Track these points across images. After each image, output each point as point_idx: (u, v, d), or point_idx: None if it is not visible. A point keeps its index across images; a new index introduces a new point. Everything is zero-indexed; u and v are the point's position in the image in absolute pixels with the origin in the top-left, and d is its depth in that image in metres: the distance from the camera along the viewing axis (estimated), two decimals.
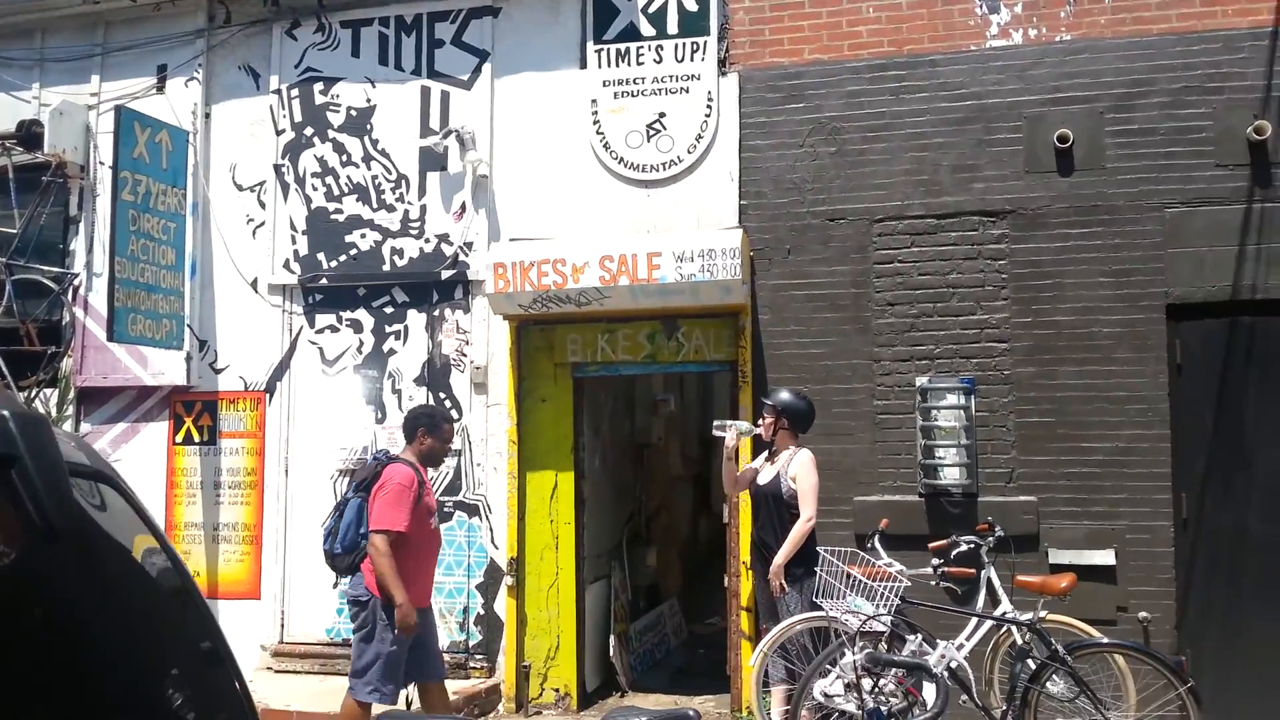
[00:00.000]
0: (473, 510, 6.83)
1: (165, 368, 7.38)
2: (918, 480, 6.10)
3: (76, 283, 7.65)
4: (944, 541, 5.47)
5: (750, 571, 5.95)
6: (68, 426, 7.48)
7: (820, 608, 5.22)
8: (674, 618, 7.20)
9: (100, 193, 7.58)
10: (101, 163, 7.57)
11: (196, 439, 7.36)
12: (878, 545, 5.41)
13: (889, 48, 6.58)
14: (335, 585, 6.59)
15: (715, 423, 5.74)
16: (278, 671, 6.85)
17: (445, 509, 6.85)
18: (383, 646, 4.90)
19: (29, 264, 7.62)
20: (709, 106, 6.79)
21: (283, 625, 7.04)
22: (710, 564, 7.62)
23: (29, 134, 7.67)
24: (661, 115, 6.87)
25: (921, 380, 6.14)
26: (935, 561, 5.32)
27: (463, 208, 7.13)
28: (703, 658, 6.68)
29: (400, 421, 6.99)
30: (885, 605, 4.99)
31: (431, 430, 5.24)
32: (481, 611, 6.70)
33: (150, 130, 7.17)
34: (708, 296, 6.28)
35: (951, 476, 5.99)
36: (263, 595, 7.09)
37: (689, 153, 6.79)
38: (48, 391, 7.54)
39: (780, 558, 5.38)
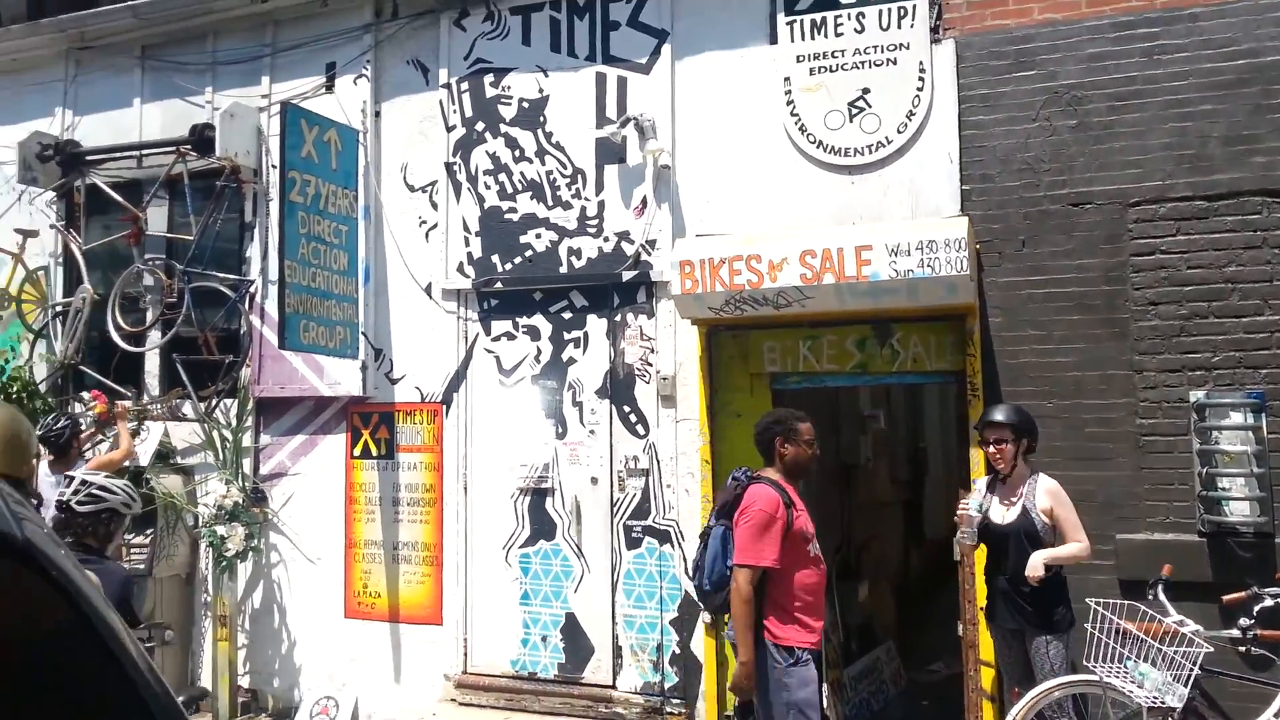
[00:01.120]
0: (663, 537, 6.24)
1: (341, 377, 7.08)
2: (1196, 516, 5.12)
3: (252, 290, 7.43)
4: (1242, 594, 4.50)
5: (990, 622, 5.11)
6: (247, 438, 7.29)
7: (1086, 669, 4.38)
8: (891, 662, 6.44)
9: (273, 197, 7.31)
10: (274, 166, 7.30)
11: (374, 453, 7.04)
12: (1162, 597, 4.49)
13: (1137, 2, 5.56)
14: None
15: (960, 533, 4.91)
16: (461, 704, 6.47)
17: (634, 534, 6.29)
18: (789, 694, 4.19)
19: (206, 271, 7.45)
20: (921, 79, 5.93)
21: (466, 654, 6.64)
22: (925, 599, 6.79)
23: (202, 138, 7.48)
24: (865, 92, 6.05)
25: (1197, 395, 5.14)
26: (1244, 622, 4.36)
27: (644, 202, 6.51)
28: (928, 711, 5.92)
29: (579, 436, 6.52)
30: (1180, 675, 4.10)
31: (789, 436, 4.51)
32: (677, 650, 6.11)
33: (318, 129, 6.83)
34: (928, 296, 5.45)
35: (1240, 512, 4.99)
36: (444, 621, 6.70)
37: (899, 132, 5.95)
38: (227, 401, 7.36)
39: (1045, 556, 4.60)
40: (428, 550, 6.82)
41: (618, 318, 6.54)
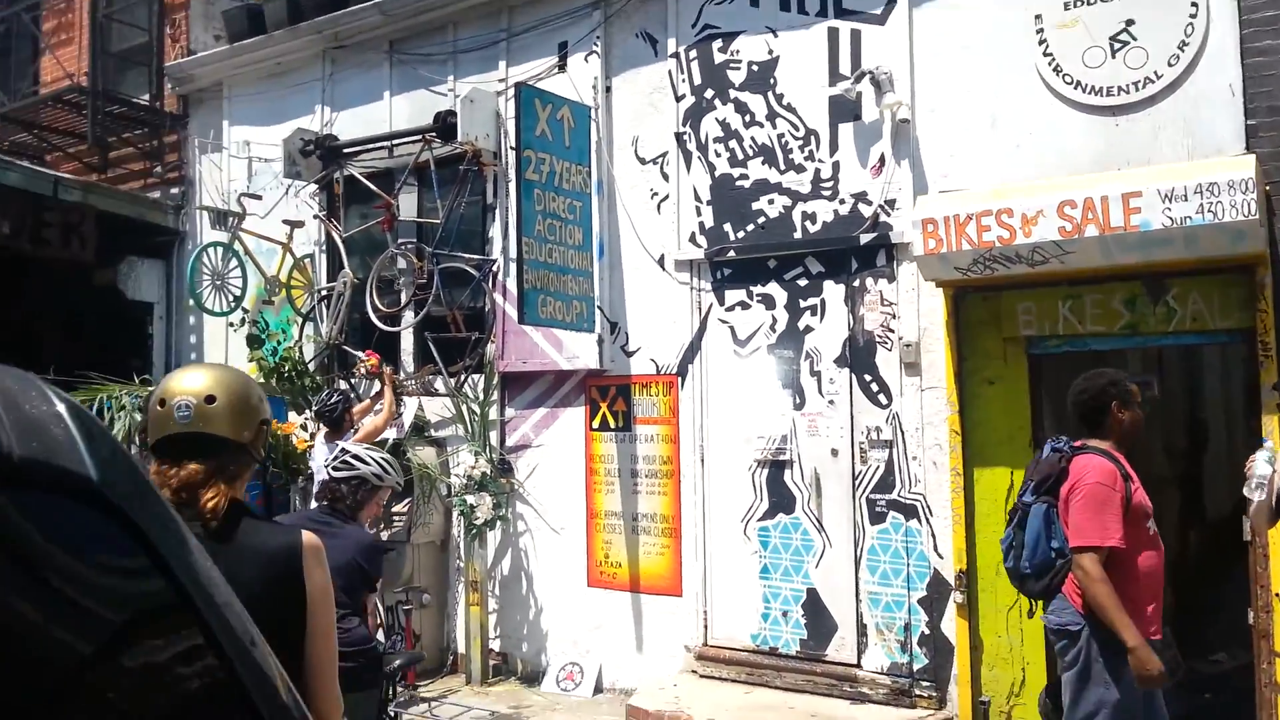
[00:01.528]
0: (909, 511, 5.95)
1: (579, 351, 7.19)
2: None
3: (495, 269, 7.68)
4: None
5: None
6: (493, 412, 7.55)
7: None
8: (1168, 650, 5.85)
9: (511, 178, 7.50)
10: (512, 148, 7.49)
11: (612, 425, 7.11)
12: None
13: None
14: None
15: (1250, 481, 3.94)
16: (702, 676, 6.44)
17: (877, 508, 6.03)
18: (1108, 693, 3.74)
19: (453, 253, 7.75)
20: (1194, 4, 5.30)
21: (706, 626, 6.61)
22: (1203, 584, 6.15)
23: (445, 125, 7.77)
24: (1128, 24, 5.48)
25: None
26: None
27: (881, 160, 6.20)
28: (1210, 705, 5.36)
29: (818, 407, 6.31)
30: None
31: (1125, 400, 3.99)
32: (926, 630, 5.82)
33: (551, 107, 6.93)
34: (1209, 246, 4.88)
35: None
36: (684, 593, 6.70)
37: (1169, 66, 5.36)
38: (475, 377, 7.66)
39: None
40: (666, 522, 6.83)
41: (856, 283, 6.28)
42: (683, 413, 6.82)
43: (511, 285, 7.41)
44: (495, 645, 7.41)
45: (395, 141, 8.25)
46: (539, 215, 6.77)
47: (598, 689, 6.89)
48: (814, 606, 6.23)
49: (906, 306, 6.05)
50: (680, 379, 6.86)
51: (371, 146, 8.38)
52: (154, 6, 10.16)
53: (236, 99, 9.51)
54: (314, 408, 7.09)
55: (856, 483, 6.14)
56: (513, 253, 7.38)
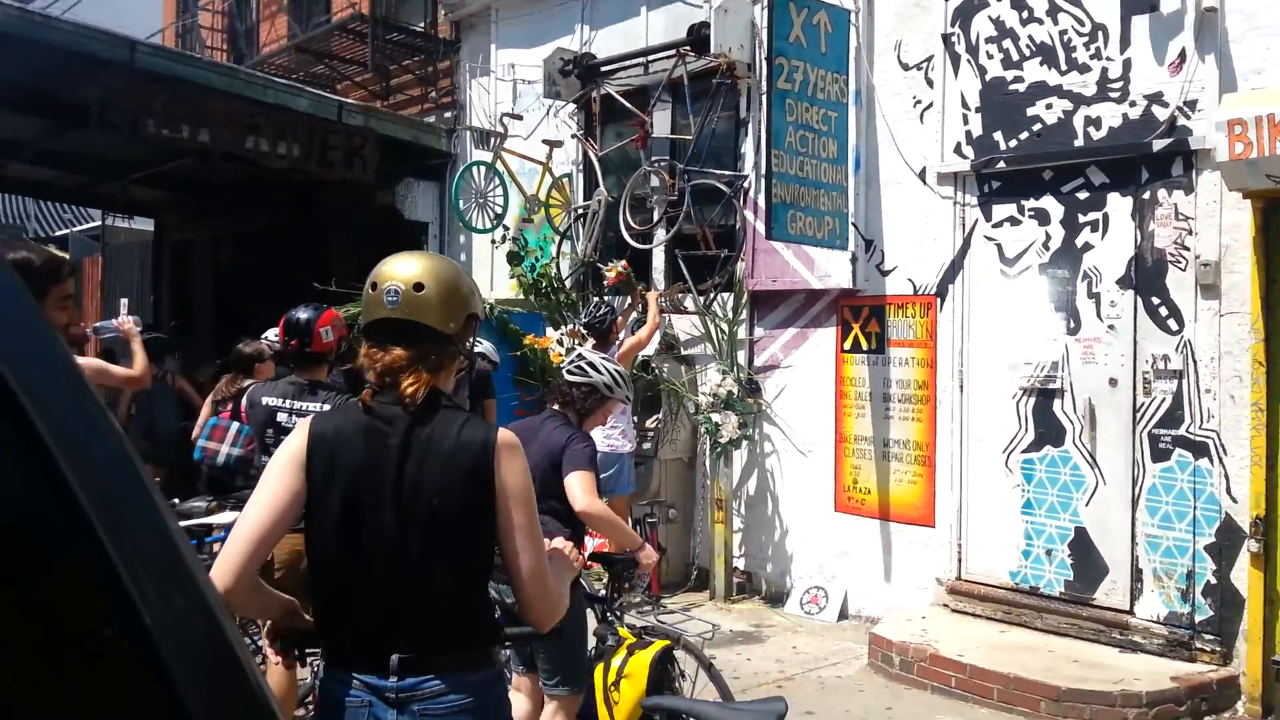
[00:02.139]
0: (1199, 449, 5.35)
1: (831, 270, 6.95)
2: None
3: (745, 185, 7.52)
4: None
5: None
6: (741, 331, 7.47)
7: None
8: None
9: (765, 90, 7.28)
10: (766, 59, 7.25)
11: (864, 347, 6.85)
12: None
13: None
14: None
15: None
16: (954, 610, 6.17)
17: (1161, 445, 5.48)
18: None
19: (704, 169, 7.66)
20: None
21: (959, 560, 6.30)
22: None
23: (698, 38, 7.63)
24: None
25: None
26: None
27: (1181, 56, 5.49)
28: None
29: (1095, 332, 5.77)
30: None
31: None
32: (1212, 580, 5.25)
33: (807, 12, 6.62)
34: None
35: None
36: (937, 523, 6.41)
37: None
38: (724, 295, 7.59)
39: None
40: (919, 449, 6.53)
41: (1145, 195, 5.64)
42: (941, 336, 6.45)
43: (762, 201, 7.25)
44: (740, 564, 7.43)
45: (650, 58, 8.20)
46: (790, 127, 6.53)
47: (842, 615, 6.77)
48: (1082, 546, 5.78)
49: (1205, 221, 5.38)
50: (939, 300, 6.48)
51: (627, 64, 8.38)
52: None
53: (503, 22, 9.78)
54: (583, 319, 7.27)
55: (1137, 416, 5.59)
56: (764, 168, 7.21)
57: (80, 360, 6.05)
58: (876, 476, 6.74)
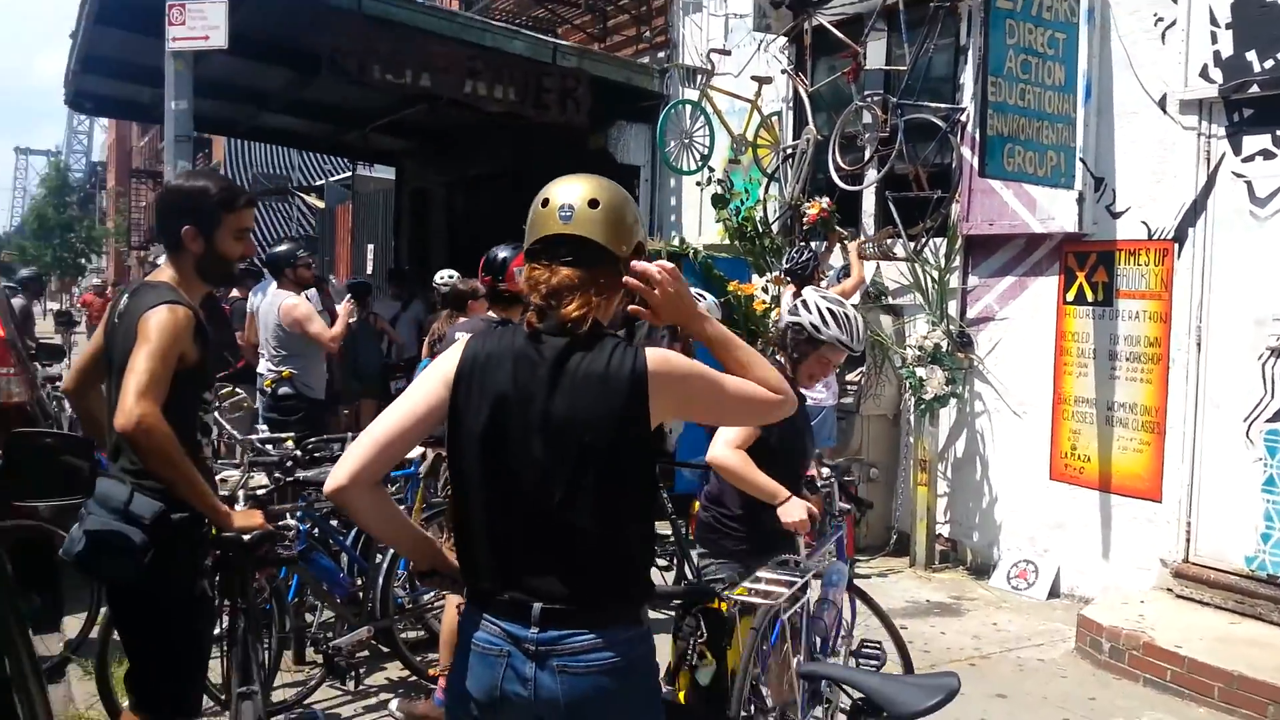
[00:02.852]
0: None
1: (1055, 212, 6.42)
2: None
3: (963, 119, 7.06)
4: None
5: None
6: (954, 279, 7.08)
7: None
8: None
9: (983, 10, 6.78)
10: None
11: (1090, 298, 6.31)
12: None
13: None
14: None
15: None
16: (1177, 596, 5.64)
17: None
18: None
19: (918, 103, 7.25)
20: None
21: (1188, 540, 5.74)
22: None
23: None
24: None
25: None
26: None
27: None
28: None
29: None
30: None
31: None
32: None
33: None
34: None
35: None
36: (1164, 498, 5.86)
37: None
38: (936, 240, 7.20)
39: None
40: (1147, 414, 5.97)
41: None
42: (1177, 286, 5.84)
43: (979, 136, 6.78)
44: (943, 530, 7.12)
45: None
46: (1010, 50, 6.03)
47: (1053, 593, 6.35)
48: None
49: None
50: (1176, 246, 5.85)
51: None
52: None
53: None
54: (784, 265, 7.15)
55: None
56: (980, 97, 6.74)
57: (296, 300, 6.65)
58: (1098, 443, 6.23)
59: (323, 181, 21.40)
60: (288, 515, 4.56)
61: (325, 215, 21.15)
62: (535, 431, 2.02)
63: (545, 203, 2.12)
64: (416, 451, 5.15)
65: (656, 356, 2.06)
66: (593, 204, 2.09)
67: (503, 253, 4.54)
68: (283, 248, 7.13)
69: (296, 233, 26.62)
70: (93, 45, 10.34)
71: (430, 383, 2.12)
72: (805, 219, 7.57)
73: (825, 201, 7.51)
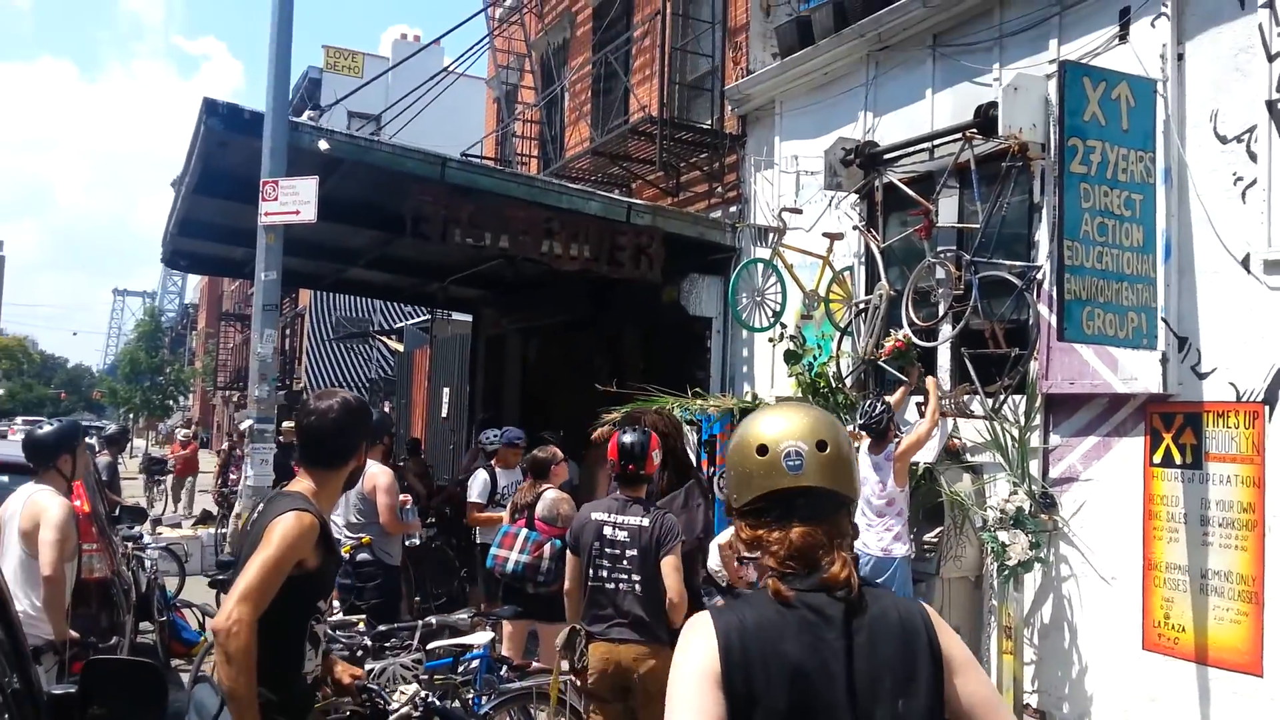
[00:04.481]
0: None
1: (1138, 372, 6.33)
2: None
3: (1039, 276, 7.06)
4: None
5: None
6: (1034, 438, 6.95)
7: None
8: None
9: (1058, 174, 6.85)
10: (1058, 142, 6.83)
11: (1178, 461, 6.15)
12: None
13: None
14: None
15: None
16: None
17: None
18: None
19: (993, 260, 7.29)
20: None
21: None
22: None
23: (987, 119, 7.31)
24: None
25: None
26: None
27: None
28: None
29: None
30: None
31: None
32: None
33: (1105, 85, 6.18)
34: None
35: None
36: (1264, 672, 5.55)
37: None
38: (1015, 398, 7.11)
39: None
40: (1244, 583, 5.72)
41: None
42: (1270, 450, 5.66)
43: (1056, 296, 6.77)
44: (1031, 701, 6.80)
45: (935, 142, 7.97)
46: (1086, 214, 6.07)
47: None
48: None
49: None
50: (1268, 408, 5.70)
51: (911, 150, 8.19)
52: (717, 33, 11.01)
53: (787, 114, 9.92)
54: (859, 420, 7.13)
55: None
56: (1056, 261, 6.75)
57: (381, 469, 6.81)
58: (1192, 612, 5.96)
59: (401, 325, 22.05)
60: None
61: (403, 359, 21.69)
62: (843, 707, 1.82)
63: (762, 450, 1.94)
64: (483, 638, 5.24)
65: (928, 606, 1.98)
66: (821, 446, 1.93)
67: (630, 438, 5.09)
68: (378, 417, 7.41)
69: (376, 374, 27.34)
70: (190, 211, 11.01)
71: (692, 687, 1.81)
72: (883, 349, 7.58)
73: (904, 333, 7.51)
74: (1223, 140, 6.09)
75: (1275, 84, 5.82)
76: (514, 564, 6.69)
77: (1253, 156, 5.90)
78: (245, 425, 9.07)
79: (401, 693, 4.41)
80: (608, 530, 4.96)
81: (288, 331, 29.63)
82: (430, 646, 5.21)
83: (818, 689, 1.81)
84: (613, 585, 4.91)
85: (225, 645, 2.75)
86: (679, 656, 1.87)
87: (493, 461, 8.88)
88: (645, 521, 4.95)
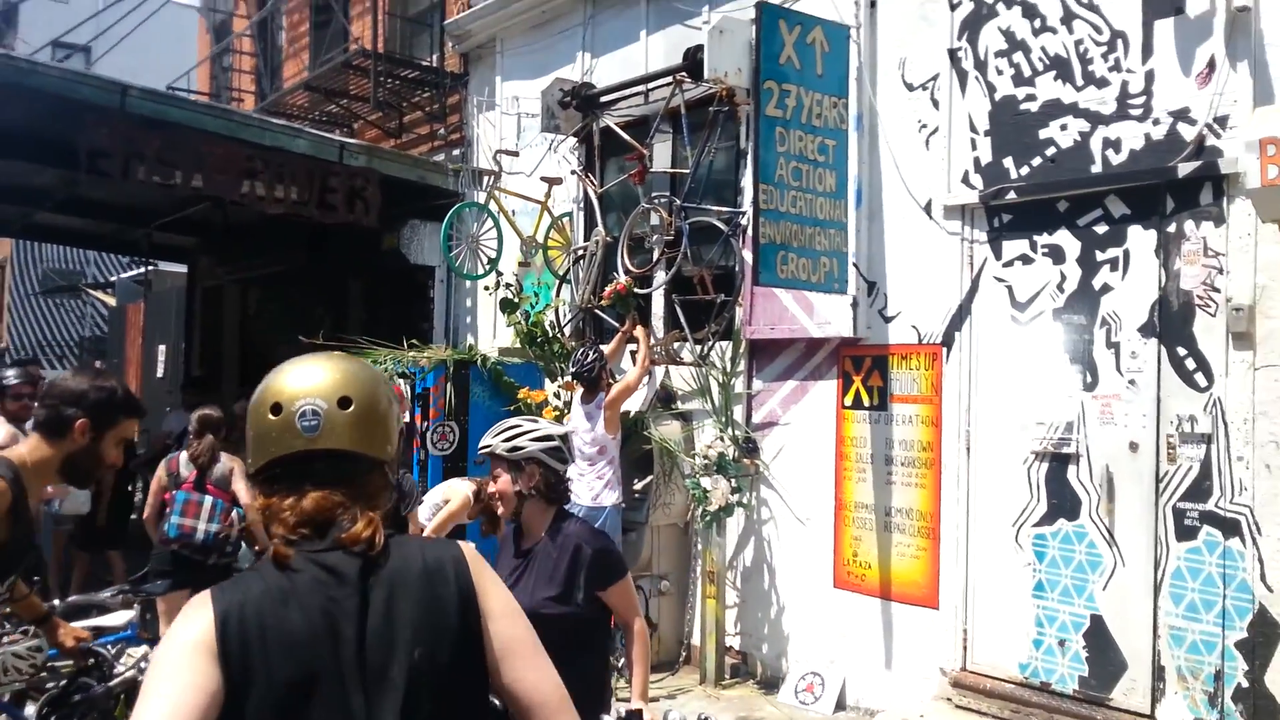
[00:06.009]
0: (1230, 527, 4.70)
1: (832, 316, 6.45)
2: None
3: (744, 222, 7.08)
4: None
5: None
6: (739, 383, 7.01)
7: None
8: None
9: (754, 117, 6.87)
10: (753, 84, 6.83)
11: (866, 402, 6.32)
12: None
13: None
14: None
15: None
16: (957, 706, 5.55)
17: (1187, 521, 4.84)
18: None
19: (701, 205, 7.26)
20: None
21: (965, 648, 5.70)
22: None
23: (695, 63, 7.24)
24: None
25: None
26: None
27: (1209, 64, 4.93)
28: None
29: (1114, 388, 5.16)
30: None
31: None
32: (1244, 682, 4.57)
33: (800, 29, 6.21)
34: None
35: None
36: (940, 605, 5.81)
37: None
38: (722, 345, 7.13)
39: None
40: (923, 520, 5.96)
41: (1171, 228, 5.05)
42: (947, 390, 5.90)
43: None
44: (734, 643, 6.91)
45: (649, 86, 7.85)
46: (781, 158, 6.09)
47: (839, 705, 6.19)
48: (1098, 637, 5.14)
49: (1239, 258, 4.77)
50: (945, 350, 5.93)
51: (626, 93, 8.04)
52: None
53: (508, 53, 9.57)
54: (571, 368, 6.96)
55: (1161, 486, 4.96)
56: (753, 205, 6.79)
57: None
58: (878, 549, 6.17)
59: (115, 278, 20.30)
60: None
61: (116, 314, 19.97)
62: (352, 670, 1.63)
63: (275, 409, 1.71)
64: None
65: (468, 545, 1.79)
66: (343, 403, 1.71)
67: None
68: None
69: (91, 332, 25.11)
70: None
71: (181, 661, 1.57)
72: (604, 293, 7.45)
73: (625, 278, 7.40)
74: (910, 88, 6.24)
75: (956, 32, 6.00)
76: (204, 534, 6.15)
77: (935, 104, 6.08)
78: None
79: (129, 655, 4.14)
80: None
81: None
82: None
83: (323, 654, 1.62)
84: None
85: None
86: (172, 629, 1.63)
87: None
88: None
